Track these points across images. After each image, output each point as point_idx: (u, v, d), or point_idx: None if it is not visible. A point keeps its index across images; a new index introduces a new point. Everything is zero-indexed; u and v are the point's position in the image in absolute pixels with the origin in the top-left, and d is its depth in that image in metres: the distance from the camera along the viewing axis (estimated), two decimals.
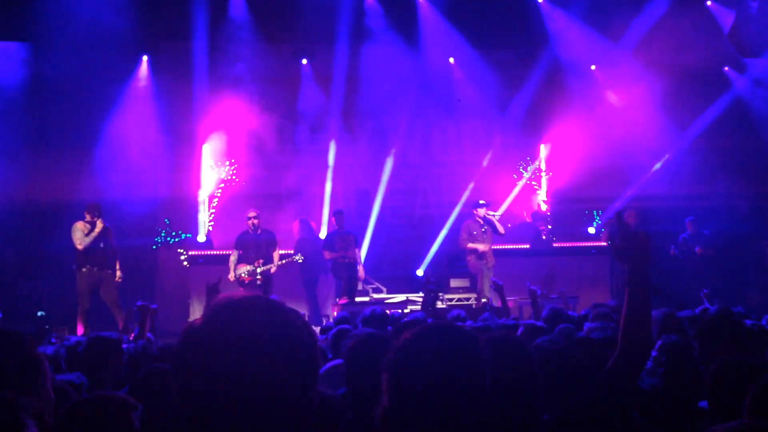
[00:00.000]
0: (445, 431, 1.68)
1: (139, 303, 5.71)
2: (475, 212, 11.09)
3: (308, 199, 12.58)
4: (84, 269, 9.45)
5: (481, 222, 11.00)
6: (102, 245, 9.62)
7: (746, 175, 12.36)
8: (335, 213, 11.32)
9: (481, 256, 10.83)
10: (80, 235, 9.59)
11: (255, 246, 10.36)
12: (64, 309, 10.06)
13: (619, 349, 2.32)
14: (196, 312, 10.43)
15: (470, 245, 10.85)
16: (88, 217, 9.67)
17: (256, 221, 10.48)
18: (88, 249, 9.50)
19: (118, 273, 9.74)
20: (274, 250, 10.41)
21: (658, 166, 12.64)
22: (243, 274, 10.22)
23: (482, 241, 10.89)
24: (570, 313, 6.25)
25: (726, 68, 12.93)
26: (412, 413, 1.68)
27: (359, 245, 11.28)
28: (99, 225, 9.58)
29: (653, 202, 11.97)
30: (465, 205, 12.55)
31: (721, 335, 3.67)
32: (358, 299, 10.88)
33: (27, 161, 10.86)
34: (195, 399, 1.24)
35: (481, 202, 11.12)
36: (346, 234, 10.97)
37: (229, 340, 1.25)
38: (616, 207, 11.98)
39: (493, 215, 11.09)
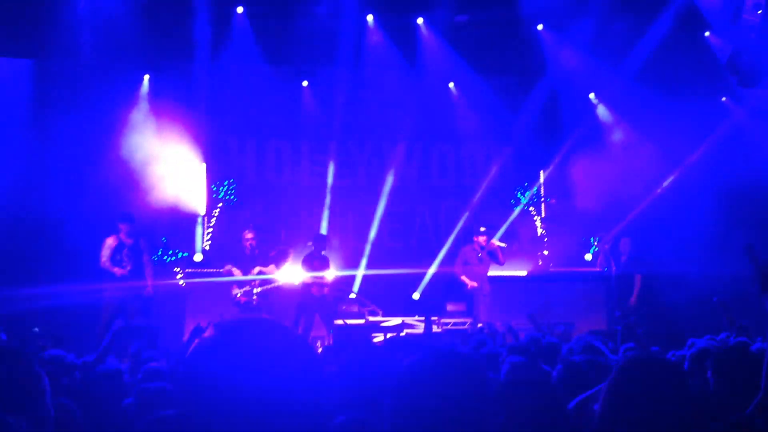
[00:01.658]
0: None
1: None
2: (475, 239, 11.14)
3: (306, 220, 12.56)
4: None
5: (479, 249, 11.03)
6: (131, 268, 9.59)
7: (741, 206, 12.29)
8: (316, 237, 11.14)
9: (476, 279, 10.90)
10: (106, 252, 9.56)
11: (252, 267, 10.34)
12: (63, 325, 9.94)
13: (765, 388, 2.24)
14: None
15: (462, 277, 10.95)
16: (122, 231, 9.63)
17: (253, 242, 10.46)
18: (108, 269, 9.48)
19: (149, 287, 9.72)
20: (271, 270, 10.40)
21: (666, 183, 12.57)
22: (239, 294, 10.18)
23: (477, 268, 10.96)
24: (550, 339, 6.17)
25: (724, 99, 12.97)
26: None
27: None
28: (126, 267, 9.54)
29: (650, 232, 11.95)
30: (462, 229, 12.56)
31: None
32: (352, 322, 10.76)
33: (30, 174, 10.88)
34: (200, 413, 1.27)
35: (482, 229, 11.15)
36: (322, 258, 10.81)
37: (236, 358, 1.30)
38: (614, 234, 11.94)
39: (498, 244, 11.13)
